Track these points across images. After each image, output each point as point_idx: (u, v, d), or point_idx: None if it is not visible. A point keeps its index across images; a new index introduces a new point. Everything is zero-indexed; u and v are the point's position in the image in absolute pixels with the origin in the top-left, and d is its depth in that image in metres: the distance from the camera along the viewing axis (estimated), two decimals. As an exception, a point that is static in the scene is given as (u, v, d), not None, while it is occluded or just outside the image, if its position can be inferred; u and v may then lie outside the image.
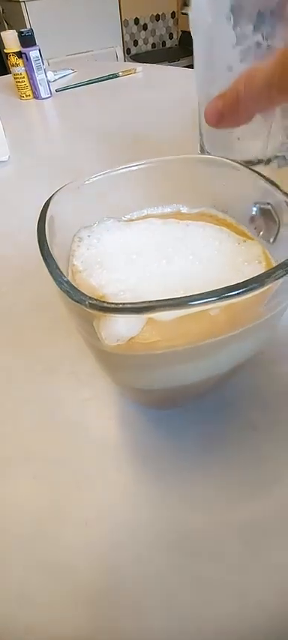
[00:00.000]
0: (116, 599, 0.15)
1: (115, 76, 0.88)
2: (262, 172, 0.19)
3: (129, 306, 0.11)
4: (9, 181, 0.49)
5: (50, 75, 0.84)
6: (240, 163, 0.20)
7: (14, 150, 0.55)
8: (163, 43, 2.30)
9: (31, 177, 0.49)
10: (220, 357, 0.16)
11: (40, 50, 0.74)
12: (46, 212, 0.17)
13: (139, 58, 2.00)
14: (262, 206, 0.19)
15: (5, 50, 0.74)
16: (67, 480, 0.18)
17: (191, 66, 0.33)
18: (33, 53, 0.73)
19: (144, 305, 0.11)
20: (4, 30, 0.77)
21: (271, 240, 0.19)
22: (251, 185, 0.19)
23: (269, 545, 0.16)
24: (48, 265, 0.14)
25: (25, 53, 0.73)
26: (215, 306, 0.13)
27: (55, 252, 0.15)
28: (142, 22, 2.16)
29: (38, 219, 0.16)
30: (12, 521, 0.17)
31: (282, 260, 0.13)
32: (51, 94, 0.79)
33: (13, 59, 0.74)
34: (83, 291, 0.12)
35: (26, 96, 0.78)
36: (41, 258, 0.14)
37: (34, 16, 1.53)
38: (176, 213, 0.22)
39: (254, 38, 0.24)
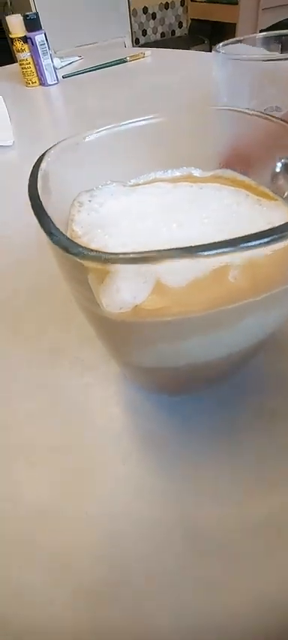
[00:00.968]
0: (117, 597, 0.13)
1: (123, 61, 0.85)
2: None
3: (131, 255, 0.09)
4: (13, 166, 0.48)
5: (57, 61, 0.82)
6: (263, 113, 0.17)
7: (19, 136, 0.54)
8: (173, 32, 2.25)
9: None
10: (239, 329, 0.13)
11: (45, 34, 0.72)
12: (38, 167, 0.15)
13: (148, 48, 1.97)
14: (287, 161, 0.17)
15: (10, 35, 0.72)
16: (68, 467, 0.17)
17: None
18: (38, 37, 0.71)
19: (147, 255, 0.09)
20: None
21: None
22: (273, 137, 0.17)
23: (285, 544, 0.14)
24: (37, 212, 0.12)
25: (30, 37, 0.71)
26: (231, 260, 0.11)
27: (50, 212, 0.13)
28: (150, 11, 2.12)
29: (30, 174, 0.14)
30: (11, 510, 0.16)
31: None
32: (58, 80, 0.77)
33: (18, 44, 0.72)
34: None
35: (32, 83, 0.77)
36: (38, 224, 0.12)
37: (41, 5, 1.52)
38: (188, 176, 0.20)
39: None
